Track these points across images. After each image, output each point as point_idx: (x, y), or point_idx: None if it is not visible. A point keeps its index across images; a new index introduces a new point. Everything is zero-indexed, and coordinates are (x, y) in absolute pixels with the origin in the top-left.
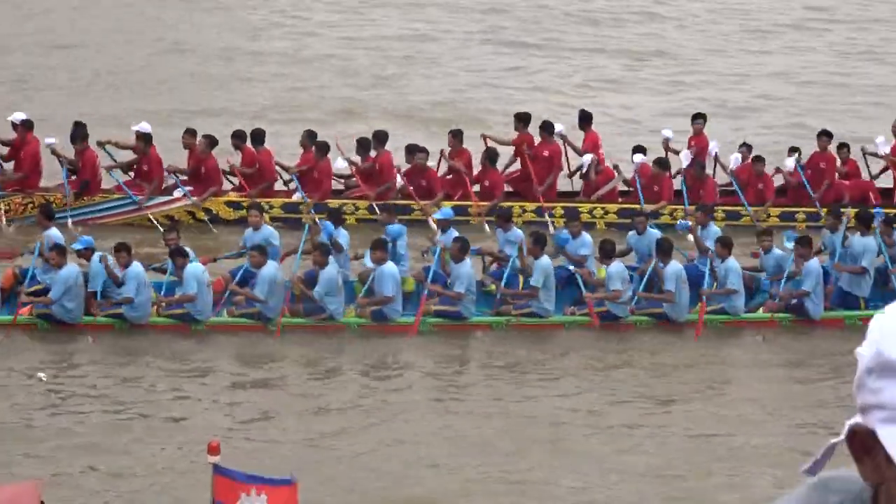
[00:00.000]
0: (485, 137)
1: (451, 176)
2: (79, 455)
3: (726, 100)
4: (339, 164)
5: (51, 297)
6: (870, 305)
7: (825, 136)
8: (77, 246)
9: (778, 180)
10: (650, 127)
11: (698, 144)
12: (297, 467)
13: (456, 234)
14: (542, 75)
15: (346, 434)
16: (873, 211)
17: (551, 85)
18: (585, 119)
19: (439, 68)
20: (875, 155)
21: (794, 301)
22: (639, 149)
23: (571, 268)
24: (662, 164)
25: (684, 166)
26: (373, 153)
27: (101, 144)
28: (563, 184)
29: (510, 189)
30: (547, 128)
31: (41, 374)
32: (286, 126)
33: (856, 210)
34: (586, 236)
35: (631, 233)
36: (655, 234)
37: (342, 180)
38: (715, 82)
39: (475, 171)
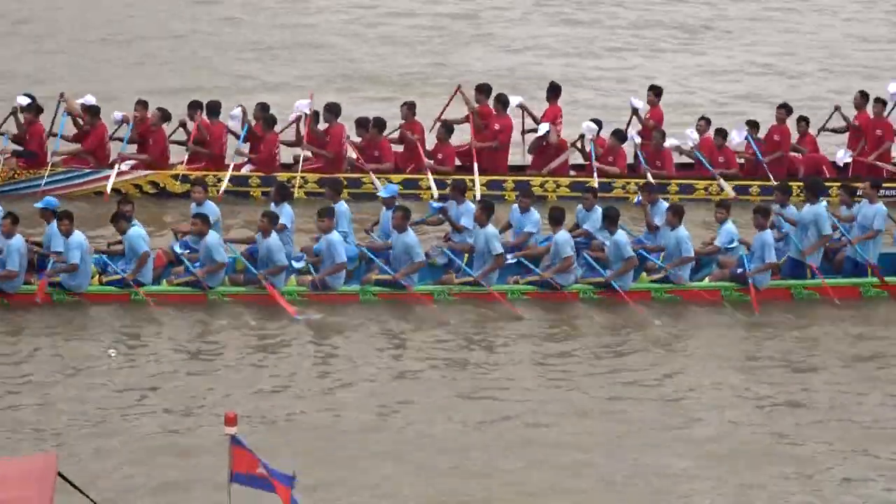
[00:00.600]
0: (461, 92)
1: (403, 148)
2: (83, 428)
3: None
4: (301, 105)
5: (13, 269)
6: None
7: (784, 108)
8: (40, 205)
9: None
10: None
11: (654, 117)
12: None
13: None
14: (591, 47)
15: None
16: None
17: (600, 56)
18: (553, 91)
19: (491, 41)
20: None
21: (738, 270)
22: (595, 122)
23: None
24: (619, 135)
25: (637, 142)
26: (325, 125)
27: (62, 98)
28: (516, 158)
29: (459, 163)
30: (501, 100)
31: (111, 351)
32: (345, 99)
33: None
34: (534, 213)
35: (579, 207)
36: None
37: (291, 147)
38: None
39: (431, 145)
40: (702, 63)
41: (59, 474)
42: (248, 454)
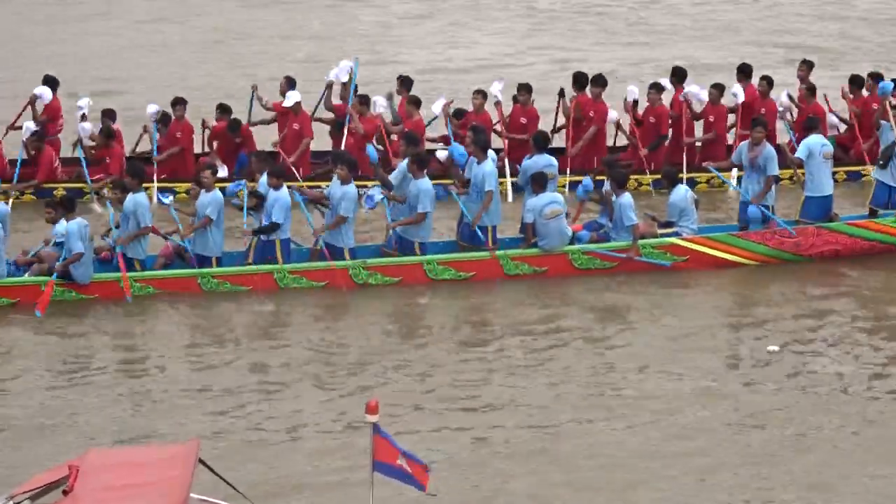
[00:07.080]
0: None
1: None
2: (221, 416)
3: None
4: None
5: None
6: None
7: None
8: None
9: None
10: None
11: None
12: None
13: None
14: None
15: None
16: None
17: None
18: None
19: None
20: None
21: (57, 264)
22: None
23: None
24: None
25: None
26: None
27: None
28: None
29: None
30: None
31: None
32: None
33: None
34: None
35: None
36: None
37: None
38: None
39: None
40: None
41: (200, 460)
42: (387, 444)
